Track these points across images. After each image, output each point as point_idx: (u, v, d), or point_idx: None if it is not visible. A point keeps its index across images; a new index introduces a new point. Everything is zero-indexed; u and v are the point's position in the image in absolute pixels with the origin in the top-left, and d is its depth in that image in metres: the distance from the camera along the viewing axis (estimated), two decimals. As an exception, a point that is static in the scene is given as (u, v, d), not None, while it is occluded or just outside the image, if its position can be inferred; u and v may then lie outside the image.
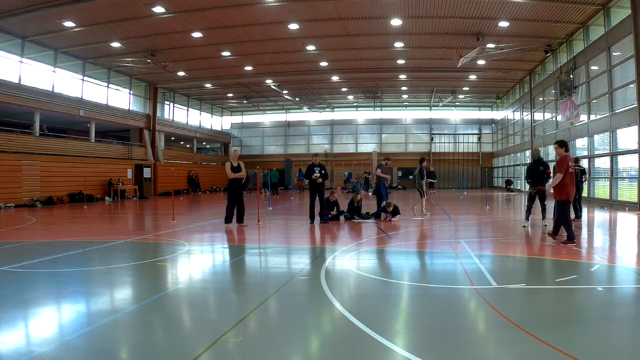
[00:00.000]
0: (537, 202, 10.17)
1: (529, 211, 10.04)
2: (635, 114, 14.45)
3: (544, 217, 10.18)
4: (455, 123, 38.51)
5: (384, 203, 12.09)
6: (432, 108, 37.94)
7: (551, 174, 10.23)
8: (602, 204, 16.42)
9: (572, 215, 11.48)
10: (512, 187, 29.69)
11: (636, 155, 14.73)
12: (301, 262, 6.64)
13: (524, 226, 9.91)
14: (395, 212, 11.58)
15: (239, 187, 10.62)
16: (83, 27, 17.85)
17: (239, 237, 9.18)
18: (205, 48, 21.15)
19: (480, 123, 38.26)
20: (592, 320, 3.82)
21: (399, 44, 20.94)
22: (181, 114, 33.47)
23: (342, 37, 19.93)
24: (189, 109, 34.31)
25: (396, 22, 17.89)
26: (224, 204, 11.00)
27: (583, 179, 11.49)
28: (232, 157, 10.75)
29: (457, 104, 37.05)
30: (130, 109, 27.48)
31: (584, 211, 13.82)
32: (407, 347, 3.17)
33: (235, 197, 10.51)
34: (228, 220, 10.52)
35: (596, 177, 18.56)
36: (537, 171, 9.83)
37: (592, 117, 18.43)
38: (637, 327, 3.62)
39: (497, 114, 36.69)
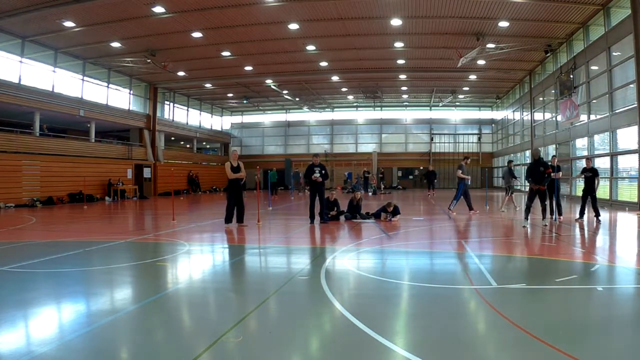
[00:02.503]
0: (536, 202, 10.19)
1: (528, 210, 10.00)
2: (635, 114, 14.45)
3: (544, 217, 10.15)
4: (455, 123, 38.51)
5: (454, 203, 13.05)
6: (432, 108, 37.94)
7: (552, 174, 10.21)
8: (602, 204, 16.39)
9: (577, 216, 11.29)
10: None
11: (636, 155, 14.72)
12: (301, 262, 6.64)
13: (524, 226, 9.88)
14: (395, 212, 11.58)
15: (239, 187, 10.63)
16: (83, 27, 17.85)
17: (239, 237, 9.18)
18: (205, 48, 21.15)
19: (480, 123, 38.26)
20: (592, 320, 3.82)
21: (399, 44, 20.93)
22: (181, 114, 33.48)
23: (342, 37, 19.93)
24: (189, 109, 34.31)
25: (396, 22, 17.89)
26: (224, 204, 11.01)
27: (596, 181, 11.11)
28: (232, 157, 10.73)
29: (457, 104, 37.05)
30: (130, 109, 27.48)
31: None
32: (407, 347, 3.17)
33: (235, 197, 10.52)
34: (228, 220, 10.52)
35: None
36: (537, 171, 9.78)
37: (592, 117, 18.43)
38: (637, 327, 3.62)
39: (497, 114, 36.68)
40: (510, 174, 14.54)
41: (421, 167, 38.19)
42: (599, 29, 17.02)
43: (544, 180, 9.84)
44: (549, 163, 11.55)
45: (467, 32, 18.86)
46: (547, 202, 10.31)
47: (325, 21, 18.04)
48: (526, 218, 10.03)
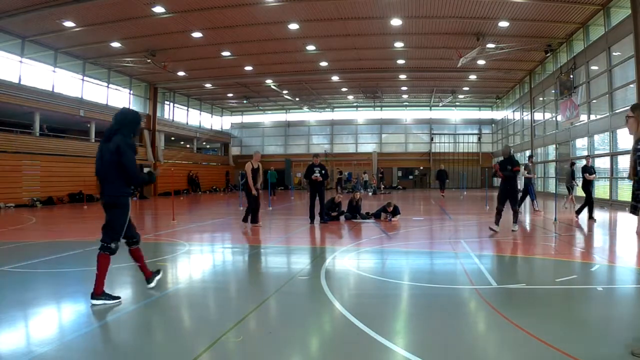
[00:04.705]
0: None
1: (499, 215, 8.97)
2: (635, 114, 14.43)
3: (514, 222, 9.21)
4: (455, 123, 38.52)
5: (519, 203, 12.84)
6: (432, 108, 37.94)
7: (521, 171, 9.63)
8: (602, 204, 16.42)
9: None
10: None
11: (636, 155, 14.69)
12: (301, 262, 6.64)
13: (495, 230, 8.84)
14: (395, 212, 11.58)
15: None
16: (83, 27, 17.85)
17: (239, 237, 9.18)
18: (205, 48, 21.15)
19: (480, 123, 38.27)
20: (592, 320, 3.82)
21: (399, 44, 20.94)
22: (181, 114, 33.47)
23: (342, 37, 19.93)
24: (189, 109, 34.31)
25: (396, 22, 17.89)
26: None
27: None
28: (254, 159, 10.27)
29: (457, 104, 37.05)
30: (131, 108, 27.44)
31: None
32: (407, 347, 3.17)
33: (253, 198, 10.29)
34: (246, 219, 10.33)
35: (596, 177, 18.56)
36: (504, 169, 9.04)
37: (592, 117, 18.43)
38: (636, 327, 3.62)
39: (497, 114, 36.69)
40: (572, 175, 14.13)
41: (421, 167, 38.19)
42: (599, 29, 17.02)
43: (505, 172, 8.91)
44: (585, 164, 11.62)
45: (467, 32, 18.86)
46: (517, 208, 9.32)
47: (325, 21, 18.04)
48: (496, 223, 8.94)
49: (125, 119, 4.52)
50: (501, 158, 9.51)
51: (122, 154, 4.22)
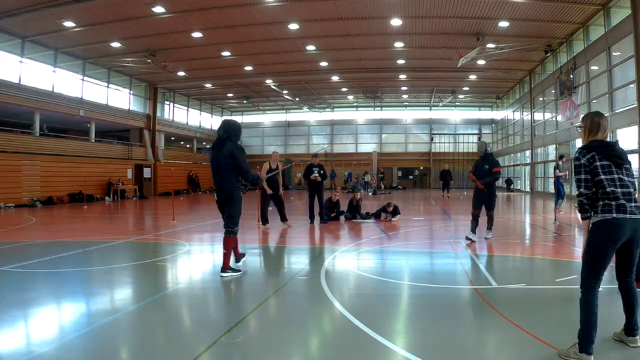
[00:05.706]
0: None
1: (475, 221, 7.90)
2: (635, 114, 14.45)
3: (489, 228, 8.21)
4: (455, 123, 38.53)
5: (560, 201, 12.89)
6: (432, 108, 37.95)
7: (500, 172, 8.54)
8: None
9: None
10: (512, 187, 29.72)
11: (636, 155, 14.72)
12: (301, 262, 6.64)
13: (471, 239, 7.75)
14: (395, 212, 11.58)
15: (276, 186, 10.36)
16: (83, 27, 17.85)
17: (238, 237, 9.16)
18: (205, 48, 21.15)
19: (480, 123, 38.28)
20: (592, 320, 3.81)
21: (399, 44, 20.94)
22: (181, 114, 33.47)
23: (342, 37, 19.93)
24: (189, 109, 34.31)
25: (396, 22, 17.89)
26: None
27: None
28: (272, 159, 10.19)
29: (457, 104, 37.06)
30: (130, 109, 27.47)
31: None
32: (407, 347, 3.17)
33: (273, 197, 10.38)
34: (265, 220, 10.40)
35: None
36: (481, 168, 7.98)
37: (592, 117, 18.40)
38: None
39: (497, 114, 36.69)
40: None
41: (421, 167, 38.21)
42: (599, 29, 17.03)
43: (487, 179, 7.81)
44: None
45: (467, 32, 18.85)
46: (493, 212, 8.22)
47: (325, 21, 18.04)
48: (472, 230, 7.86)
49: (232, 128, 5.41)
50: (503, 163, 8.67)
51: (236, 158, 5.20)
